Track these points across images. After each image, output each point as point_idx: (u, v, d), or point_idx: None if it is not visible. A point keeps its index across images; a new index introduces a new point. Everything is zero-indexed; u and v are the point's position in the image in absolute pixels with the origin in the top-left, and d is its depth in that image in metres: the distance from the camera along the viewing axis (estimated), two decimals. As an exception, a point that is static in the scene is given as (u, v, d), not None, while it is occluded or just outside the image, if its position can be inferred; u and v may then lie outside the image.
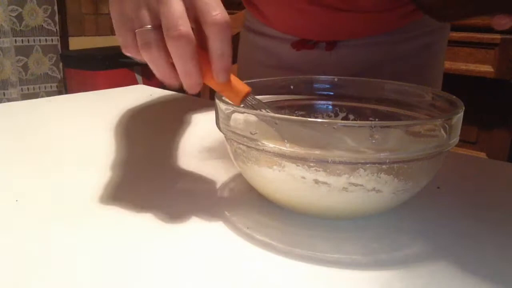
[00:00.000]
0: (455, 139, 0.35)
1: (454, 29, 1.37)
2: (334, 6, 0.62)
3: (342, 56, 0.68)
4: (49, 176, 0.46)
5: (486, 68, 1.62)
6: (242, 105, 0.39)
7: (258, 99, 0.39)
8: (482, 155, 1.75)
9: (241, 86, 0.39)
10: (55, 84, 2.68)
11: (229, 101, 0.39)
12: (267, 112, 0.38)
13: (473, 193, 0.45)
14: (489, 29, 1.58)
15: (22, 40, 2.50)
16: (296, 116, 0.48)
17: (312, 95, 0.49)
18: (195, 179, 0.46)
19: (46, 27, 2.57)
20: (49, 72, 2.64)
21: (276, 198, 0.38)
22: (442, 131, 0.34)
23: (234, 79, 0.39)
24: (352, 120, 0.48)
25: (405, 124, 0.34)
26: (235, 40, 0.82)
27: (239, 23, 0.83)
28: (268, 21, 0.72)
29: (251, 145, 0.35)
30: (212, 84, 0.38)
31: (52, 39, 2.61)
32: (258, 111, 0.38)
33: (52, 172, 0.47)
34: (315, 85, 0.49)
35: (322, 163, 0.33)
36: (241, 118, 0.36)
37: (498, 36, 1.56)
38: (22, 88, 2.52)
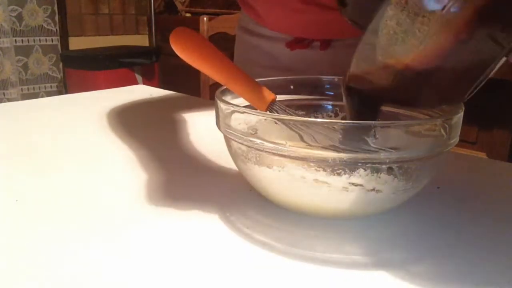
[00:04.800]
0: (455, 139, 0.35)
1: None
2: (326, 4, 0.62)
3: (337, 55, 0.68)
4: (49, 176, 0.46)
5: (486, 68, 1.62)
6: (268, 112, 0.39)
7: (284, 106, 0.40)
8: (482, 155, 1.75)
9: (267, 93, 0.39)
10: (55, 84, 2.68)
11: (256, 108, 0.40)
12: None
13: (473, 193, 0.45)
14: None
15: (22, 40, 2.50)
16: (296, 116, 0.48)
17: (312, 95, 0.49)
18: (195, 179, 0.46)
19: (46, 27, 2.57)
20: (49, 72, 2.64)
21: (276, 198, 0.38)
22: (442, 131, 0.34)
23: (259, 86, 0.39)
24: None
25: (405, 124, 0.34)
26: (235, 40, 0.82)
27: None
28: (262, 21, 0.72)
29: (251, 145, 0.35)
30: (237, 91, 0.39)
31: (52, 39, 2.61)
32: (257, 111, 0.38)
33: (52, 172, 0.47)
34: (315, 85, 0.49)
35: (322, 163, 0.33)
36: (241, 118, 0.36)
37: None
38: (22, 88, 2.52)
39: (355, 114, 0.42)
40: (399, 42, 0.35)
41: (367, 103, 0.40)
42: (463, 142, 1.78)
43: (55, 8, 2.59)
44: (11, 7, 2.41)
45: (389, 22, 0.35)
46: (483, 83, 0.38)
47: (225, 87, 0.41)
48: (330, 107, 0.49)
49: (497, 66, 0.37)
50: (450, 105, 0.40)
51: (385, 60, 0.36)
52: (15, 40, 2.46)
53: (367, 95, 0.39)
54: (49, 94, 2.63)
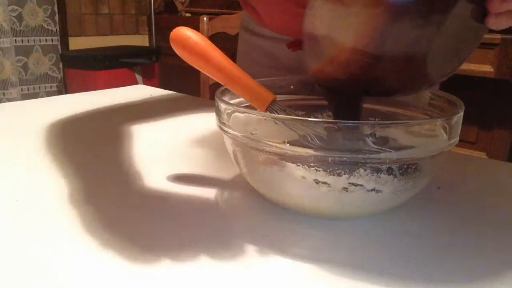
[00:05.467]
0: (455, 139, 0.35)
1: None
2: None
3: None
4: (49, 176, 0.46)
5: (486, 68, 1.62)
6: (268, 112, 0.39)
7: (284, 106, 0.40)
8: (482, 155, 1.75)
9: (267, 93, 0.39)
10: (55, 84, 2.68)
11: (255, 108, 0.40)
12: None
13: (473, 193, 0.45)
14: (489, 30, 1.58)
15: (22, 40, 2.50)
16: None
17: (312, 95, 0.49)
18: (195, 179, 0.46)
19: (46, 27, 2.57)
20: (49, 72, 2.64)
21: (276, 198, 0.38)
22: (442, 131, 0.34)
23: (259, 86, 0.39)
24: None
25: (405, 123, 0.34)
26: (235, 40, 0.82)
27: (240, 23, 0.83)
28: (263, 22, 0.72)
29: (251, 145, 0.35)
30: (237, 91, 0.39)
31: (52, 39, 2.61)
32: (257, 111, 0.38)
33: (52, 172, 0.47)
34: (315, 85, 0.49)
35: (322, 163, 0.33)
36: (241, 118, 0.36)
37: (498, 36, 1.56)
38: (22, 88, 2.52)
39: (336, 112, 0.42)
40: (336, 28, 0.35)
41: (345, 99, 0.40)
42: (463, 142, 1.78)
43: (55, 8, 2.59)
44: (11, 7, 2.41)
45: (321, 11, 0.35)
46: (466, 57, 0.38)
47: (225, 87, 0.41)
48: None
49: (480, 37, 0.37)
50: (432, 85, 0.39)
51: (331, 49, 0.36)
52: (15, 40, 2.46)
53: (339, 91, 0.39)
54: (49, 94, 2.63)
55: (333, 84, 0.39)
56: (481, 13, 0.34)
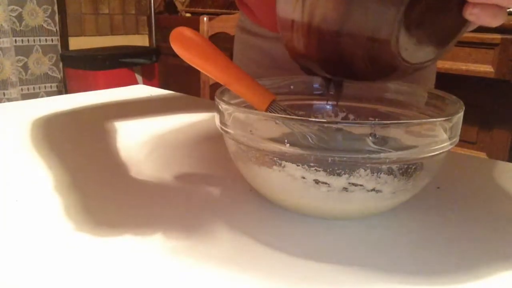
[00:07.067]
0: (455, 139, 0.35)
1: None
2: None
3: None
4: (49, 176, 0.46)
5: (486, 68, 1.62)
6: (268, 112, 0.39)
7: (284, 106, 0.40)
8: (482, 155, 1.75)
9: (267, 94, 0.39)
10: (55, 84, 2.68)
11: (255, 108, 0.40)
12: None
13: (473, 193, 0.45)
14: (489, 29, 1.58)
15: (22, 40, 2.50)
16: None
17: (312, 95, 0.49)
18: (195, 179, 0.46)
19: (46, 27, 2.57)
20: (49, 72, 2.64)
21: (276, 198, 0.38)
22: (442, 131, 0.34)
23: (259, 86, 0.39)
24: (352, 120, 0.48)
25: (405, 123, 0.34)
26: (233, 41, 0.82)
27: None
28: (260, 22, 0.72)
29: (251, 145, 0.35)
30: (237, 91, 0.39)
31: (52, 39, 2.61)
32: (257, 111, 0.38)
33: (52, 172, 0.47)
34: (315, 85, 0.49)
35: (322, 163, 0.33)
36: (241, 118, 0.36)
37: (498, 36, 1.56)
38: (22, 88, 2.52)
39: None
40: (299, 8, 0.35)
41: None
42: (463, 142, 1.79)
43: (55, 8, 2.59)
44: (11, 7, 2.41)
45: None
46: (443, 51, 0.37)
47: (225, 87, 0.41)
48: (330, 107, 0.49)
49: (460, 30, 0.36)
50: (403, 74, 0.38)
51: (295, 31, 0.36)
52: (15, 40, 2.46)
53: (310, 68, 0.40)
54: (49, 94, 2.63)
55: (311, 66, 0.39)
56: (458, 2, 0.33)
